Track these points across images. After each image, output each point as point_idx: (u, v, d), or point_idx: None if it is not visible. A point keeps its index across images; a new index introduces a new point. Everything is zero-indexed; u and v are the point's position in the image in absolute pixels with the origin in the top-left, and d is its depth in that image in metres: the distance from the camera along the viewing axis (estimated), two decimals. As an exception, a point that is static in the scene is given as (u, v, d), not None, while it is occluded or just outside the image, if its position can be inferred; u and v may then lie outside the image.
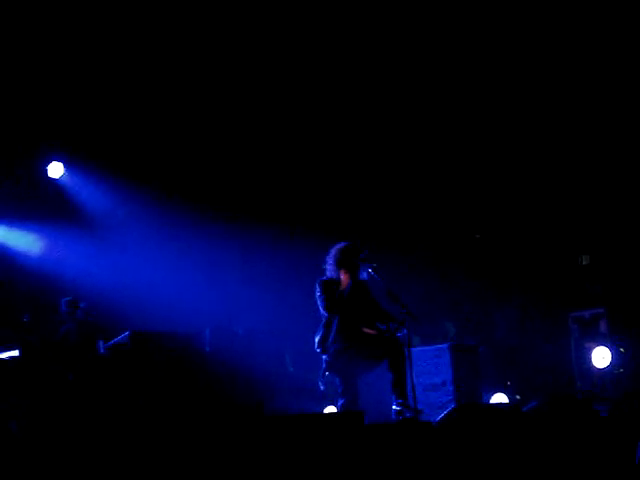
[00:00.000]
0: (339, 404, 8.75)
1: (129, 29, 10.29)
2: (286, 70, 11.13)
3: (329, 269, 8.89)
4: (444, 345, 10.21)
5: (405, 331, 8.90)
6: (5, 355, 8.71)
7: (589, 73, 10.62)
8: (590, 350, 10.88)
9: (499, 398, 10.78)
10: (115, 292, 11.05)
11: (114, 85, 10.88)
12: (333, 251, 8.93)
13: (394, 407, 8.58)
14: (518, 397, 10.96)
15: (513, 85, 11.02)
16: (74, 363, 9.25)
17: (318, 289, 8.86)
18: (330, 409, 9.51)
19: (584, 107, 11.01)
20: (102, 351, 9.11)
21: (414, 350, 9.33)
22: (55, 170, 11.62)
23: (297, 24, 10.38)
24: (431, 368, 9.84)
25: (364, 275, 8.88)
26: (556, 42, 10.37)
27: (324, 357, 8.69)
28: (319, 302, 8.81)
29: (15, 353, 8.71)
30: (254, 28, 10.44)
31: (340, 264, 8.86)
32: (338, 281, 8.83)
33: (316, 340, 8.74)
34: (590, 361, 10.85)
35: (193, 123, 11.72)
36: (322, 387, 8.74)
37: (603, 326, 10.99)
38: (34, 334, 9.57)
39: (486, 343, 11.43)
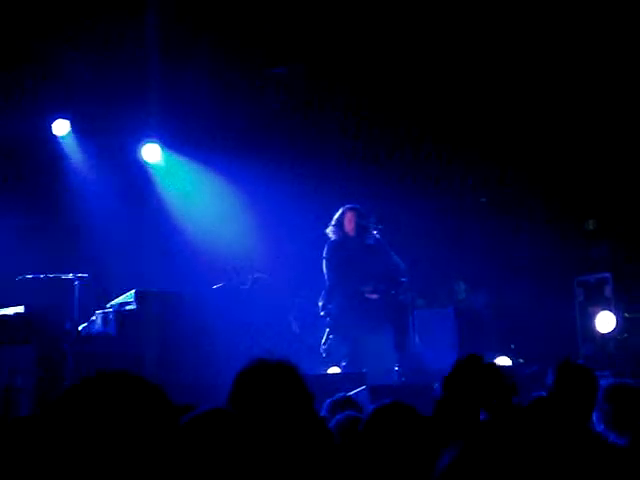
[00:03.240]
0: (342, 365, 8.81)
1: None
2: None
3: (335, 232, 8.89)
4: (448, 308, 10.24)
5: (409, 294, 8.94)
6: (10, 311, 8.75)
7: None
8: (595, 315, 10.90)
9: (502, 361, 10.82)
10: (124, 251, 11.03)
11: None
12: (338, 214, 8.93)
13: (396, 369, 8.65)
14: (522, 360, 10.99)
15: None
16: (80, 321, 9.30)
17: (326, 253, 8.87)
18: (333, 370, 9.57)
19: (595, 74, 10.89)
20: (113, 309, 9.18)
21: (418, 313, 9.38)
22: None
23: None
24: (435, 331, 9.88)
25: (370, 238, 8.89)
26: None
27: (327, 320, 8.74)
28: (325, 266, 8.84)
29: (20, 309, 8.75)
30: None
31: (345, 227, 8.86)
32: (344, 245, 8.84)
33: (320, 304, 8.79)
34: (594, 326, 10.87)
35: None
36: (324, 354, 8.79)
37: (608, 291, 10.99)
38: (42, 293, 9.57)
39: (491, 306, 11.45)
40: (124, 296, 9.19)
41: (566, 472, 1.97)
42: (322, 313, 8.80)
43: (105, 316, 9.05)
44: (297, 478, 3.03)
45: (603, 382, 4.86)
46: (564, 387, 4.47)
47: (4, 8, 9.66)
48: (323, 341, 8.80)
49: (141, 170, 11.86)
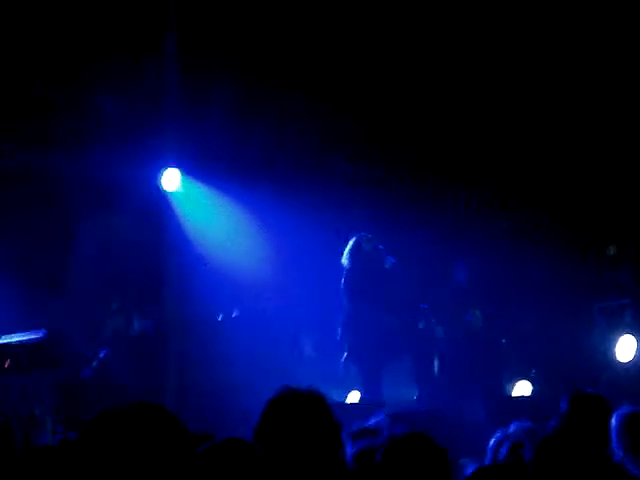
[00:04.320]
0: (362, 393, 8.78)
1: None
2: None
3: (350, 261, 8.90)
4: (466, 335, 10.19)
5: (428, 321, 8.92)
6: (30, 337, 8.76)
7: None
8: (615, 341, 10.83)
9: (523, 386, 10.75)
10: (143, 277, 11.03)
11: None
12: (349, 244, 8.95)
13: (415, 397, 8.62)
14: (542, 387, 10.91)
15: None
16: (105, 345, 9.28)
17: (343, 281, 8.88)
18: (353, 395, 9.54)
19: (618, 103, 10.87)
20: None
21: (436, 340, 9.35)
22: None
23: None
24: (452, 358, 9.84)
25: (387, 264, 8.89)
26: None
27: (346, 346, 8.73)
28: (343, 294, 8.84)
29: (40, 335, 8.76)
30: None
31: (357, 256, 8.87)
32: (360, 272, 8.84)
33: (339, 330, 8.78)
34: (615, 352, 10.80)
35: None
36: (343, 371, 8.79)
37: (629, 317, 10.94)
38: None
39: (511, 333, 11.39)
40: (143, 323, 9.22)
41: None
42: (342, 339, 8.80)
43: (125, 343, 9.07)
44: None
45: (622, 410, 4.82)
46: (577, 416, 4.44)
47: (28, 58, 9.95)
48: (341, 367, 8.80)
49: (160, 197, 11.92)
